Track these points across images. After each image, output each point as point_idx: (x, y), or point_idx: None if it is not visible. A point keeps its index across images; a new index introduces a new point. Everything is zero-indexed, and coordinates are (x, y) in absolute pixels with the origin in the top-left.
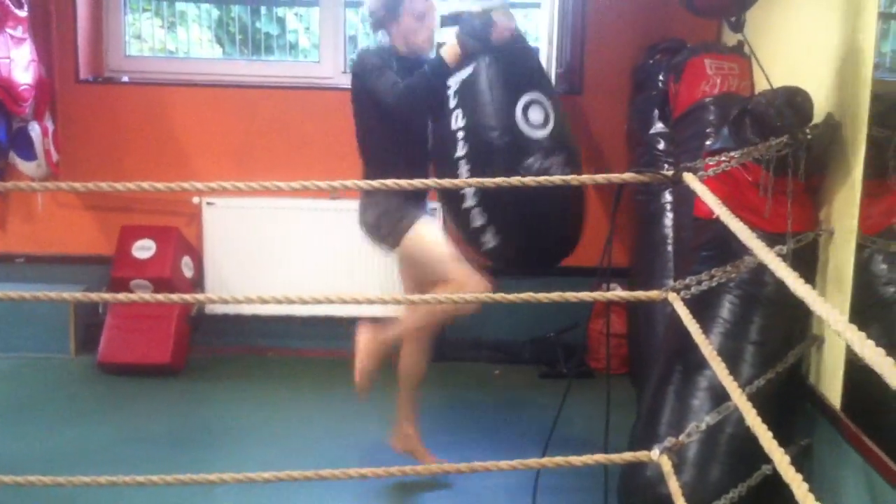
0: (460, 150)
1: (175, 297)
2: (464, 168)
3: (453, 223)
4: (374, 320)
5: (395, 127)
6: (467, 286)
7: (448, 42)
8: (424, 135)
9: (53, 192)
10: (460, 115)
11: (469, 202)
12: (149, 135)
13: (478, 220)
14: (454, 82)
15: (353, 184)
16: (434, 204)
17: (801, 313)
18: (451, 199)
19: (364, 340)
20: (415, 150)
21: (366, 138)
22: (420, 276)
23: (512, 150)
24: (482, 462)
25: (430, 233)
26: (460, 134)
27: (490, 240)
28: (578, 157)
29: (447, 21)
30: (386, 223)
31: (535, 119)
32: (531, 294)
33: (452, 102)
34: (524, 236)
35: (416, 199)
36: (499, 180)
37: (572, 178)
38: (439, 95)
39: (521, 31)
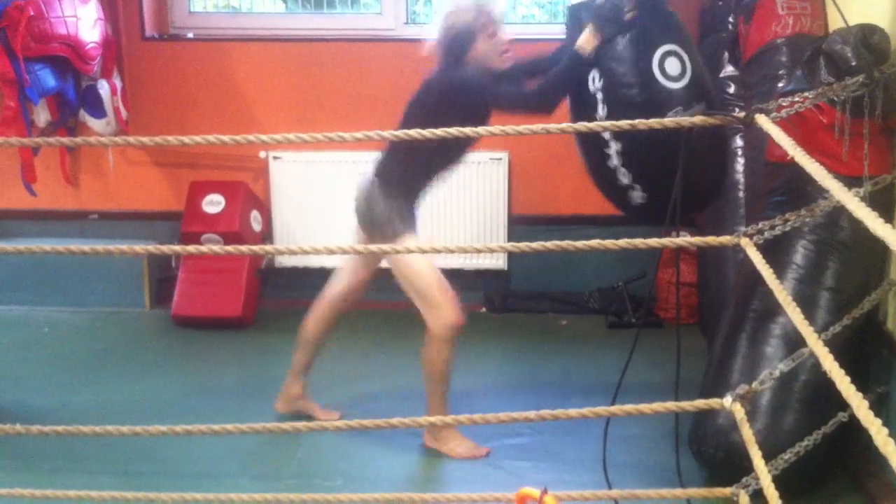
0: (600, 111)
1: (244, 248)
2: None
3: (596, 179)
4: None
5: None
6: (444, 312)
7: (583, 35)
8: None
9: (123, 148)
10: (598, 76)
11: (614, 161)
12: (214, 91)
13: (624, 178)
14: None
15: (417, 133)
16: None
17: (877, 258)
18: (595, 156)
19: (442, 444)
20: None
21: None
22: (402, 285)
23: (652, 105)
24: (551, 410)
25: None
26: (599, 95)
27: (638, 197)
28: (717, 103)
29: (575, 12)
30: (396, 222)
31: (672, 71)
32: (598, 242)
33: None
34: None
35: (419, 203)
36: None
37: (639, 123)
38: (574, 85)
39: None
